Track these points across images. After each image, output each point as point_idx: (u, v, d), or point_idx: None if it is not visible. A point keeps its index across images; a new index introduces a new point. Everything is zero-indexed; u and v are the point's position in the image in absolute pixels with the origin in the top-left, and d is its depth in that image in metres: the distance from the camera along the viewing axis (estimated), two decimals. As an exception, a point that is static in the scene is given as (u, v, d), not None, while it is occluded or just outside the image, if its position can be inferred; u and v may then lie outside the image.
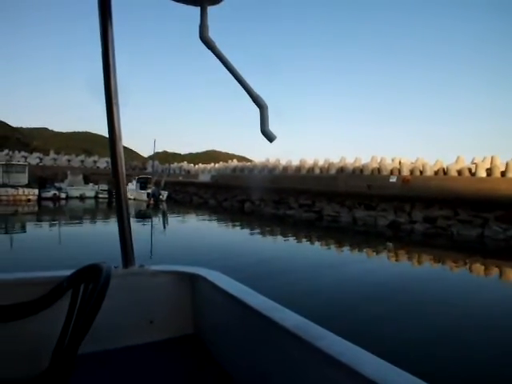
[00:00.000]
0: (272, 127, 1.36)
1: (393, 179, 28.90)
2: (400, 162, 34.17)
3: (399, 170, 32.55)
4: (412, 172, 31.35)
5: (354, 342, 1.32)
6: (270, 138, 1.37)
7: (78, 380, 1.36)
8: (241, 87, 1.40)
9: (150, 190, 35.86)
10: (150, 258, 12.38)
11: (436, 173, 30.17)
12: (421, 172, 31.31)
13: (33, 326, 1.72)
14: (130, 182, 40.79)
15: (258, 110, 1.38)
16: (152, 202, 33.08)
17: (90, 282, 1.37)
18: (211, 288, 2.09)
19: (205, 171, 53.35)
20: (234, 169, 49.38)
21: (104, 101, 1.98)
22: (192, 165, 60.43)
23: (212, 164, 55.64)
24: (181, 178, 51.89)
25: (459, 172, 26.67)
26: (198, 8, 1.48)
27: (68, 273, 1.67)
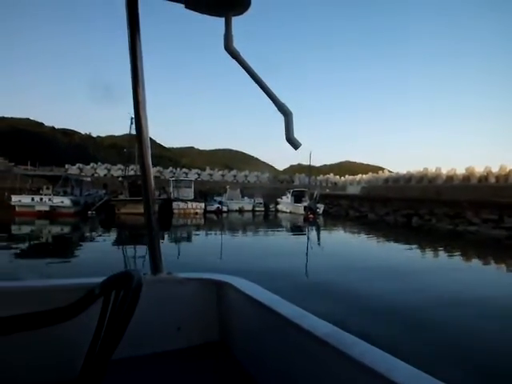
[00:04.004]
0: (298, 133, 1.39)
1: None
2: None
3: None
4: None
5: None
6: (295, 145, 1.39)
7: None
8: (266, 95, 1.43)
9: (305, 204, 35.43)
10: (306, 276, 11.39)
11: None
12: None
13: (64, 332, 1.72)
14: (285, 195, 41.22)
15: (282, 117, 1.40)
16: (311, 215, 32.45)
17: (121, 289, 1.36)
18: (238, 295, 2.07)
19: (353, 183, 51.61)
20: (387, 179, 46.67)
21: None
22: (338, 176, 59.18)
23: (360, 175, 53.66)
24: (327, 191, 51.00)
25: None
26: (223, 19, 1.52)
27: (99, 280, 1.62)
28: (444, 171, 40.82)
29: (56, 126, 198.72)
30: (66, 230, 23.32)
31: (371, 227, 28.92)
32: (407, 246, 19.09)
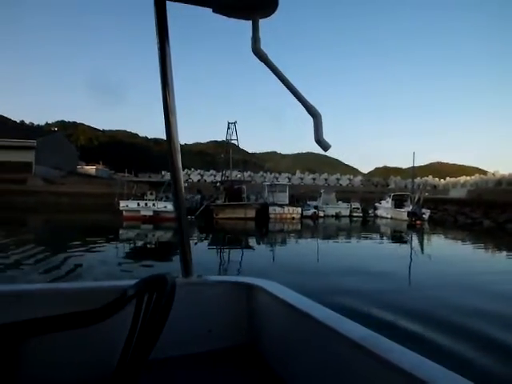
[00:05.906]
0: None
1: None
2: None
3: None
4: None
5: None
6: (324, 146, 1.38)
7: None
8: (294, 97, 1.44)
9: (408, 209, 32.86)
10: (409, 284, 10.17)
11: None
12: None
13: (97, 333, 1.76)
14: (383, 199, 38.88)
15: (311, 119, 1.40)
16: (418, 222, 29.87)
17: (154, 291, 1.38)
18: (270, 298, 2.08)
19: (456, 185, 47.45)
20: (499, 182, 42.06)
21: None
22: (437, 178, 55.11)
23: (464, 177, 49.31)
24: (427, 194, 47.43)
25: None
26: (250, 22, 1.55)
27: (132, 283, 1.66)
28: None
29: (149, 136, 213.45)
30: (169, 233, 23.76)
31: (494, 238, 25.41)
32: None
